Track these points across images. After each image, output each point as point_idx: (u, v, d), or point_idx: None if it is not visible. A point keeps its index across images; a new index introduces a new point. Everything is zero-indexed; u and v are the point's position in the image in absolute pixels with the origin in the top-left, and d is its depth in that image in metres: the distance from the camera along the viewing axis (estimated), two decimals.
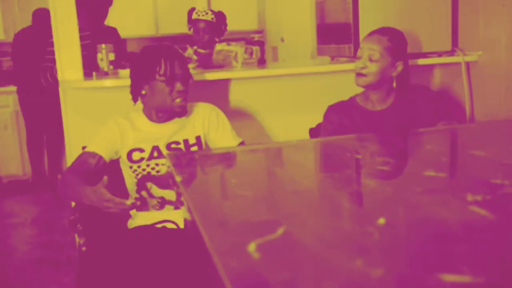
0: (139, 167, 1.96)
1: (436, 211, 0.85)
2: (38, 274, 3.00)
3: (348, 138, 1.70)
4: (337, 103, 2.25)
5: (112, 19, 4.89)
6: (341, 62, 2.69)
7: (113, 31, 3.44)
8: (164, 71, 1.89)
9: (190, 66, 2.88)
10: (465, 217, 0.82)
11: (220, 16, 3.16)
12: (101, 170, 1.93)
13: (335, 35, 2.67)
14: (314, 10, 2.90)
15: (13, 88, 4.72)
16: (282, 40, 4.93)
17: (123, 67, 2.78)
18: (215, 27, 3.11)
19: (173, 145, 1.99)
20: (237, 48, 2.62)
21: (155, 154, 1.97)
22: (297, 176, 1.14)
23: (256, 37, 3.02)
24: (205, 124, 2.05)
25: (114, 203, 1.67)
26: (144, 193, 1.97)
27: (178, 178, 1.12)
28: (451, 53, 2.57)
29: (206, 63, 2.85)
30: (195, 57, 3.09)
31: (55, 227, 3.64)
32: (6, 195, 4.63)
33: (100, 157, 1.94)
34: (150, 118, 2.01)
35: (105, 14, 3.29)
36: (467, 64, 2.55)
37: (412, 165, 1.23)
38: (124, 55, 3.34)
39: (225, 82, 2.66)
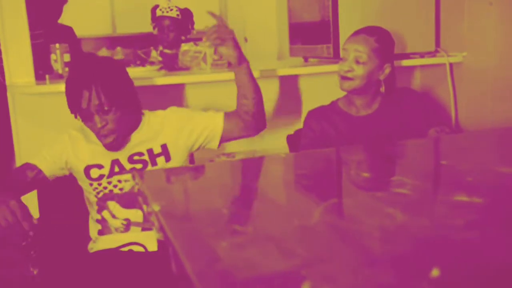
0: (99, 184, 1.73)
1: (494, 254, 0.67)
2: None
3: (345, 150, 1.52)
4: (317, 108, 2.07)
5: (67, 17, 4.59)
6: (314, 64, 2.52)
7: (68, 30, 3.17)
8: (84, 104, 1.63)
9: (154, 68, 2.66)
10: None
11: (186, 13, 2.94)
12: (38, 185, 1.75)
13: (310, 35, 2.50)
14: (285, 7, 2.71)
15: None
16: (246, 40, 4.73)
17: None
18: (180, 24, 2.89)
19: (135, 157, 1.76)
20: (206, 49, 2.41)
21: (116, 169, 1.73)
22: (301, 206, 0.95)
23: None
24: (169, 130, 1.79)
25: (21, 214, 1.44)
26: (106, 213, 1.74)
27: (155, 207, 0.91)
28: (434, 53, 2.43)
29: (171, 65, 2.62)
30: (160, 59, 2.86)
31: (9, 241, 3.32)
32: None
33: (40, 171, 1.73)
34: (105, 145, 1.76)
35: (59, 11, 3.03)
36: (451, 65, 2.42)
37: (435, 187, 1.05)
38: (80, 56, 3.07)
39: (193, 86, 2.45)
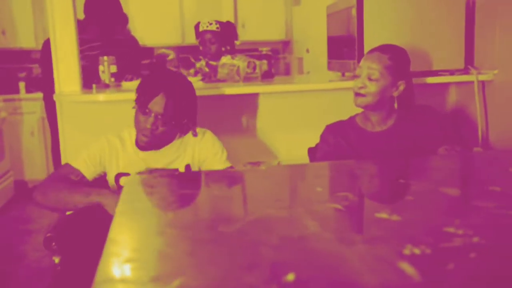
0: None
1: None
2: (42, 283, 2.99)
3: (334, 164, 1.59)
4: (335, 122, 2.13)
5: (139, 27, 4.95)
6: (348, 78, 2.57)
7: (130, 41, 3.41)
8: (145, 100, 1.78)
9: (196, 79, 2.83)
10: None
11: (227, 26, 3.10)
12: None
13: (342, 50, 2.55)
14: (325, 22, 2.78)
15: (40, 94, 4.80)
16: (308, 51, 4.82)
17: (128, 79, 2.76)
18: (221, 37, 3.06)
19: None
20: (240, 62, 2.54)
21: None
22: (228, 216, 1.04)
23: (264, 50, 2.93)
24: (200, 152, 1.91)
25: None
26: None
27: None
28: (464, 71, 2.40)
29: (210, 76, 2.79)
30: (207, 70, 3.04)
31: None
32: (31, 200, 4.69)
33: (83, 177, 1.86)
34: (136, 141, 1.90)
35: (117, 24, 3.27)
36: (482, 83, 2.37)
37: (363, 204, 1.11)
38: (138, 66, 3.31)
39: (227, 97, 2.59)
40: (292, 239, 0.89)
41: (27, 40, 5.16)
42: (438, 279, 0.70)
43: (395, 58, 1.98)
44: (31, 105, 4.92)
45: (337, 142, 2.07)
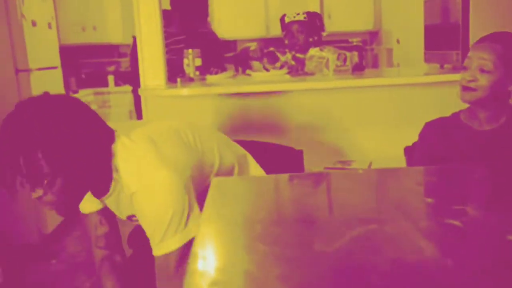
0: None
1: None
2: None
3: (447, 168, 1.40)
4: (436, 119, 1.92)
5: (223, 20, 4.90)
6: (448, 71, 2.33)
7: (211, 35, 3.36)
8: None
9: (282, 72, 2.70)
10: None
11: (314, 16, 2.95)
12: None
13: (442, 39, 2.32)
14: (421, 9, 2.56)
15: (128, 88, 4.89)
16: (398, 41, 4.56)
17: (213, 73, 2.68)
18: (308, 26, 2.91)
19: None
20: (329, 54, 2.38)
21: None
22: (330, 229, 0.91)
23: (355, 41, 2.75)
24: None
25: None
26: None
27: None
28: None
29: (297, 70, 2.65)
30: (293, 63, 2.91)
31: None
32: None
33: None
34: None
35: (201, 18, 3.21)
36: None
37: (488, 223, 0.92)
38: (221, 59, 3.25)
39: (314, 91, 2.44)
40: (406, 265, 0.74)
41: (115, 36, 5.29)
42: None
43: (511, 47, 1.74)
44: (119, 98, 5.03)
45: (438, 140, 1.86)
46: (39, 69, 3.22)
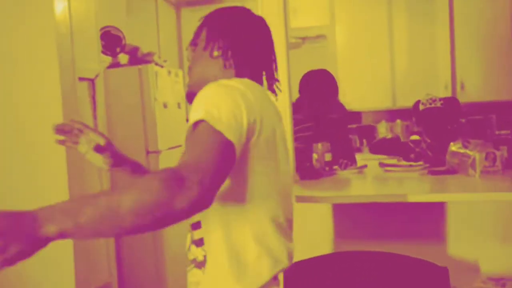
0: None
1: None
2: None
3: None
4: None
5: (347, 91, 4.78)
6: None
7: (339, 119, 3.18)
8: None
9: (417, 168, 2.48)
10: None
11: (451, 102, 2.71)
12: None
13: None
14: None
15: None
16: None
17: (342, 167, 2.54)
18: (445, 113, 2.68)
19: None
20: (475, 153, 2.13)
21: None
22: None
23: (503, 133, 2.46)
24: None
25: None
26: None
27: None
28: None
29: (437, 163, 2.42)
30: (429, 153, 2.69)
31: None
32: None
33: None
34: None
35: (330, 102, 3.09)
36: None
37: None
38: (351, 150, 3.04)
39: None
40: None
41: None
42: None
43: None
44: None
45: None
46: (169, 148, 3.29)
